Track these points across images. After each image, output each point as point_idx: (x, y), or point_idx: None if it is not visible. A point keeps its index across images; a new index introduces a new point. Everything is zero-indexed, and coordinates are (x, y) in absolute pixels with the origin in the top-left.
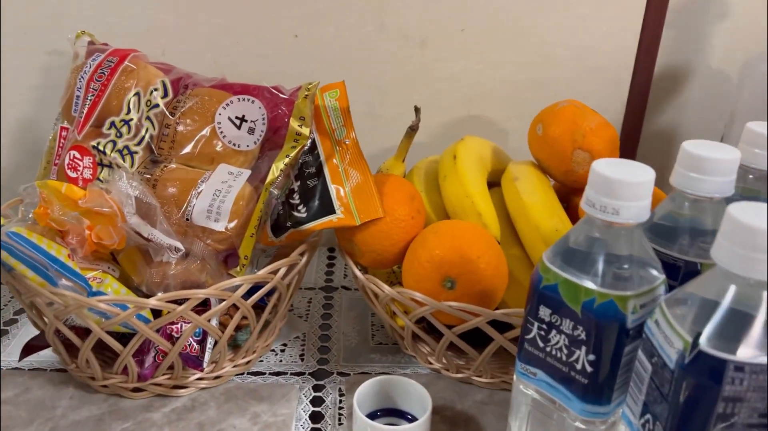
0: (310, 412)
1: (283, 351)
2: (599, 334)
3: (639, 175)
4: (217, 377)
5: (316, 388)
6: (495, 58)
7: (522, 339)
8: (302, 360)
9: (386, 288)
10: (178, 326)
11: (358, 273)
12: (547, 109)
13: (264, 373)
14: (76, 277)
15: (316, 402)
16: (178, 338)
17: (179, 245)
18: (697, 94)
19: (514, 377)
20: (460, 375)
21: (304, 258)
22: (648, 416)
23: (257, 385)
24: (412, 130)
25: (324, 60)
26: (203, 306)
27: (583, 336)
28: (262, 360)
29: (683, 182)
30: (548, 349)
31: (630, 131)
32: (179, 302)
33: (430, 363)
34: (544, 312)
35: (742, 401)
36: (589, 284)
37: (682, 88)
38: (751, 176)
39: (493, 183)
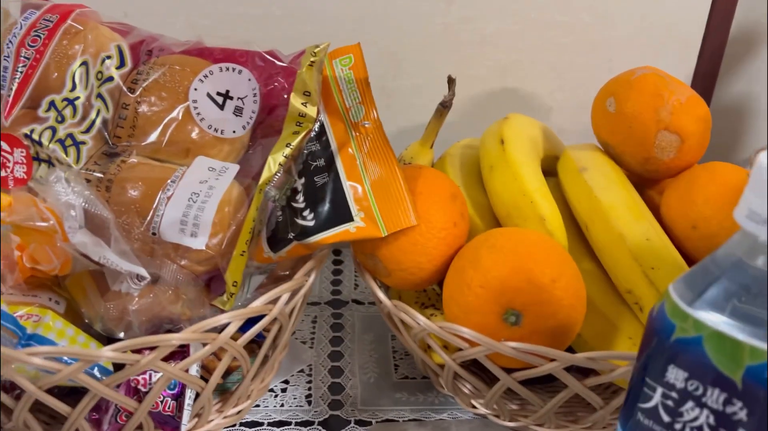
0: None
1: (284, 391)
2: None
3: None
4: None
5: None
6: (536, 17)
7: (632, 405)
8: (309, 403)
9: (422, 319)
10: (146, 376)
11: (383, 297)
12: (619, 79)
13: (261, 424)
14: (2, 318)
15: None
16: (146, 392)
17: (143, 272)
18: None
19: None
20: (514, 424)
21: (312, 278)
22: None
23: None
24: (444, 107)
25: (324, 21)
26: (180, 347)
27: (742, 415)
28: (258, 405)
29: None
30: (678, 426)
31: None
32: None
33: (475, 407)
34: (676, 374)
35: None
36: (759, 344)
37: (759, 53)
38: None
39: (544, 173)
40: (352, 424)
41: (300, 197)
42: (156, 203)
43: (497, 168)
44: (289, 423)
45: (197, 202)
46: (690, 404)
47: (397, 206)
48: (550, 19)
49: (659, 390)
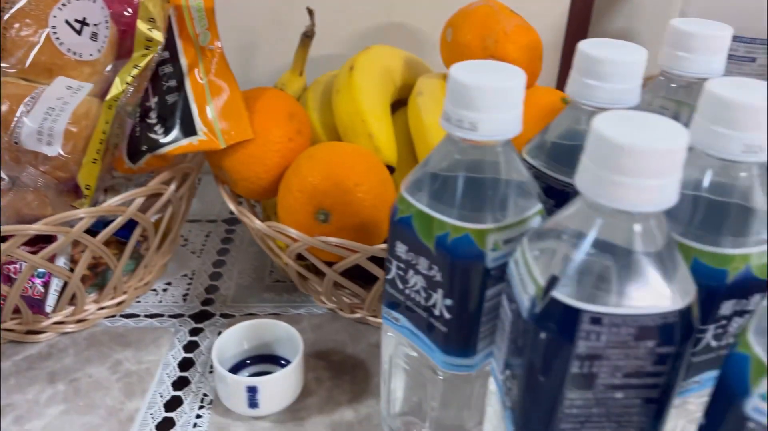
0: (180, 359)
1: (165, 290)
2: (455, 275)
3: (503, 78)
4: (80, 321)
5: (194, 332)
6: None
7: (385, 280)
8: (185, 300)
9: (256, 222)
10: (18, 266)
11: (230, 204)
12: (459, 11)
13: (138, 316)
14: None
15: (191, 347)
16: (16, 279)
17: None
18: None
19: (382, 322)
20: (354, 316)
21: (171, 188)
22: (508, 372)
23: (127, 329)
24: (307, 36)
25: None
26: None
27: (438, 277)
28: (139, 301)
29: (578, 89)
30: (407, 292)
31: (573, 40)
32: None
33: (324, 303)
34: (401, 248)
35: (601, 359)
36: (442, 215)
37: None
38: (673, 85)
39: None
40: (217, 317)
41: (153, 114)
42: (17, 115)
43: (341, 92)
44: (162, 316)
45: (52, 115)
46: (411, 272)
47: (237, 122)
48: None
49: (394, 263)
